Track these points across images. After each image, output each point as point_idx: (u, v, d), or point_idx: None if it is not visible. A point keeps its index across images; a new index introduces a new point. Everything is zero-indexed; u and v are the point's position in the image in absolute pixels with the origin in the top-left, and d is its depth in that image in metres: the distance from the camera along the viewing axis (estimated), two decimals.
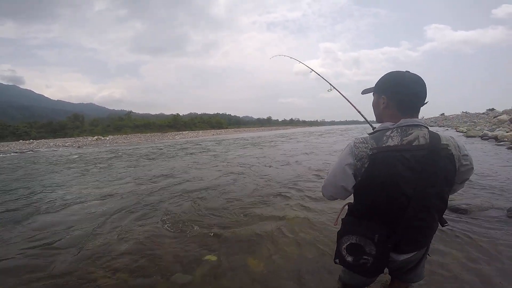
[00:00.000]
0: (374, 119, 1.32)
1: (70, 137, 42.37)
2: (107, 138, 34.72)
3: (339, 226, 1.26)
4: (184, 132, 49.53)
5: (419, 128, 1.07)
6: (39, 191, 5.19)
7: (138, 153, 13.28)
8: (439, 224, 1.17)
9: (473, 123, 21.24)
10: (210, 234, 2.75)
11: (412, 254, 1.16)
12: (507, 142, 9.24)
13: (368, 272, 1.19)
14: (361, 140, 1.10)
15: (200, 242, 2.59)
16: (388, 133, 1.07)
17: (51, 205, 4.11)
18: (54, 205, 4.10)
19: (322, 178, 5.16)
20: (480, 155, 6.82)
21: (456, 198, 3.20)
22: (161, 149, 15.55)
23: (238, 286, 1.91)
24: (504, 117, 17.74)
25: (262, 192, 4.36)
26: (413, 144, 1.03)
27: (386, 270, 1.23)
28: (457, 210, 3.00)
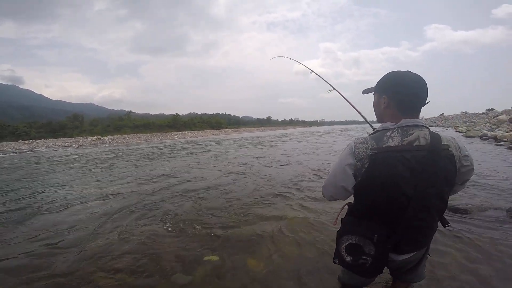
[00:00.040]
0: (374, 119, 1.32)
1: (69, 137, 42.35)
2: (107, 138, 34.71)
3: (338, 226, 1.26)
4: (183, 132, 49.52)
5: (419, 129, 1.07)
6: (40, 191, 5.19)
7: (139, 153, 13.28)
8: (441, 225, 1.18)
9: (472, 123, 21.26)
10: (210, 234, 2.75)
11: (411, 254, 1.16)
12: (506, 142, 9.24)
13: (366, 272, 1.19)
14: (362, 141, 1.10)
15: (201, 242, 2.59)
16: (388, 134, 1.07)
17: (53, 205, 4.11)
18: (56, 205, 4.10)
19: (322, 178, 5.17)
20: (480, 155, 6.83)
21: (456, 198, 3.20)
22: (161, 149, 15.54)
23: (238, 286, 1.91)
24: (504, 117, 17.76)
25: (262, 192, 4.36)
26: (414, 145, 1.03)
27: (385, 270, 1.23)
28: (456, 210, 3.00)
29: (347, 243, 1.16)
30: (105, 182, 5.90)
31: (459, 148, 1.09)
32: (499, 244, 2.24)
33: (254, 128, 79.55)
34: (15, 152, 19.61)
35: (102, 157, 12.08)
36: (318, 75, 2.60)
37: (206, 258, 2.28)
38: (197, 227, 2.95)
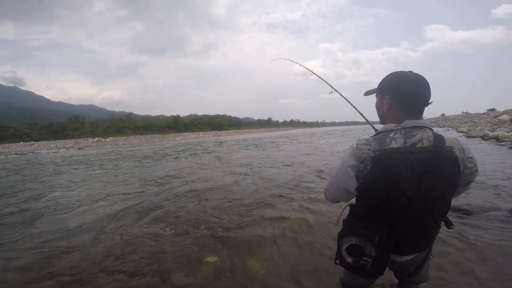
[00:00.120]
0: (375, 120, 1.32)
1: (70, 139, 42.41)
2: (108, 140, 34.78)
3: (340, 227, 1.26)
4: (184, 134, 49.58)
5: (423, 130, 1.06)
6: (46, 192, 5.21)
7: (141, 154, 13.32)
8: (445, 226, 1.17)
9: (473, 124, 21.23)
10: (211, 235, 2.75)
11: (413, 255, 1.16)
12: (508, 142, 9.23)
13: (367, 274, 1.19)
14: (364, 142, 1.09)
15: (202, 243, 2.59)
16: (391, 135, 1.06)
17: (59, 206, 4.14)
18: (62, 206, 4.13)
19: (323, 179, 5.17)
20: (481, 156, 6.81)
21: (458, 199, 3.19)
22: (163, 150, 15.59)
23: (238, 287, 1.91)
24: (505, 117, 17.73)
25: (263, 193, 4.36)
26: (417, 146, 1.02)
27: (386, 271, 1.23)
28: (458, 210, 2.99)
29: (348, 244, 1.15)
30: (110, 183, 5.92)
31: (463, 149, 1.08)
32: (502, 245, 2.22)
33: (254, 129, 79.59)
34: (17, 154, 19.66)
35: (105, 159, 12.10)
36: (319, 77, 2.58)
37: (206, 259, 2.28)
38: (199, 228, 2.95)
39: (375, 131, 1.23)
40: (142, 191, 4.88)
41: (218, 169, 7.15)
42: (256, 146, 14.99)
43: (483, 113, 33.25)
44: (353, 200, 1.21)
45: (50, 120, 67.06)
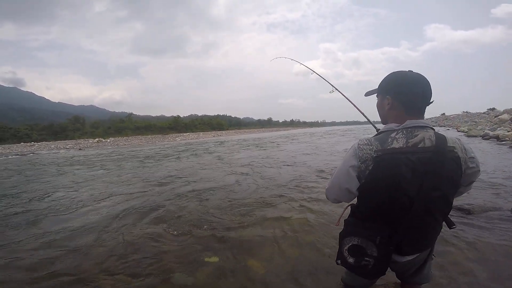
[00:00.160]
0: (375, 120, 1.31)
1: (71, 139, 42.41)
2: (108, 140, 34.80)
3: (341, 227, 1.26)
4: (185, 134, 49.60)
5: (425, 130, 1.05)
6: (49, 193, 5.22)
7: (142, 155, 13.33)
8: (447, 226, 1.17)
9: (474, 123, 21.21)
10: (212, 235, 2.75)
11: (415, 255, 1.16)
12: (508, 142, 9.22)
13: (369, 274, 1.19)
14: (365, 142, 1.08)
15: (202, 243, 2.59)
16: (393, 135, 1.06)
17: (61, 207, 4.14)
18: (64, 207, 4.13)
19: (324, 179, 5.17)
20: (482, 155, 6.81)
21: (459, 198, 3.18)
22: (164, 150, 15.60)
23: (238, 287, 1.91)
24: (505, 116, 17.70)
25: (264, 193, 4.36)
26: (419, 146, 1.02)
27: (388, 271, 1.22)
28: (459, 210, 2.99)
29: (350, 244, 1.15)
30: (112, 183, 5.94)
31: (465, 149, 1.07)
32: (502, 245, 2.22)
33: (255, 130, 79.59)
34: (17, 155, 19.68)
35: (106, 159, 12.12)
36: (320, 76, 2.57)
37: (207, 259, 2.28)
38: (200, 228, 2.95)
39: (377, 131, 1.22)
40: (144, 191, 4.89)
41: (219, 169, 7.16)
42: (257, 146, 15.00)
43: (484, 113, 33.22)
44: (355, 200, 1.20)
45: (51, 121, 67.13)
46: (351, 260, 1.16)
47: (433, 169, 1.00)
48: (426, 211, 1.03)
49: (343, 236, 1.20)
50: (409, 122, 1.06)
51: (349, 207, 1.27)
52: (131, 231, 2.96)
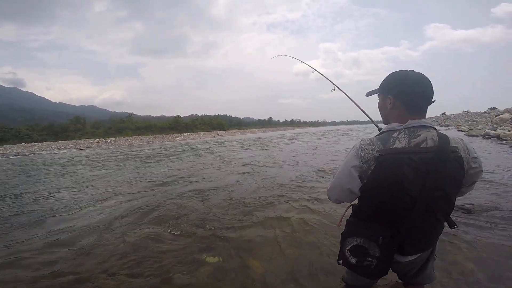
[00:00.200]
0: (377, 119, 1.31)
1: (71, 140, 42.43)
2: (109, 141, 34.82)
3: (342, 227, 1.25)
4: (185, 134, 49.61)
5: (427, 130, 1.04)
6: (53, 193, 5.25)
7: (144, 155, 13.36)
8: (448, 226, 1.16)
9: (474, 122, 21.19)
10: (213, 235, 2.75)
11: (416, 255, 1.16)
12: (509, 141, 9.21)
13: (371, 274, 1.18)
14: (367, 142, 1.07)
15: (203, 243, 2.59)
16: (395, 135, 1.05)
17: (64, 207, 4.17)
18: (67, 207, 4.16)
19: (324, 178, 5.17)
20: (483, 154, 6.78)
21: (460, 198, 3.18)
22: (165, 150, 15.62)
23: (238, 287, 1.91)
24: (506, 115, 17.68)
25: (265, 193, 4.36)
26: (421, 146, 1.01)
27: (390, 270, 1.22)
28: (460, 209, 2.98)
29: (352, 244, 1.15)
30: (115, 183, 5.96)
31: (468, 149, 1.07)
32: (503, 245, 2.22)
33: (255, 129, 79.53)
34: (18, 155, 19.70)
35: (108, 159, 12.14)
36: (321, 74, 2.55)
37: (207, 259, 2.28)
38: (200, 228, 2.95)
39: (379, 130, 1.22)
40: (146, 191, 4.91)
41: (221, 169, 7.17)
42: (258, 146, 14.99)
43: (484, 112, 33.18)
44: (356, 200, 1.20)
45: (51, 121, 67.15)
46: (353, 260, 1.15)
47: (436, 169, 1.00)
48: (428, 211, 1.03)
49: (345, 236, 1.19)
50: (412, 122, 1.06)
51: (351, 207, 1.26)
52: (132, 231, 2.97)
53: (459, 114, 42.76)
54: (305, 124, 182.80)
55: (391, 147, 1.02)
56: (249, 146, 15.65)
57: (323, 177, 5.30)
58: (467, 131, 14.76)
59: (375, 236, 1.08)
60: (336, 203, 1.23)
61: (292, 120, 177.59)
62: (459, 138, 1.10)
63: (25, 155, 19.57)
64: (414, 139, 1.02)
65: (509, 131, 11.07)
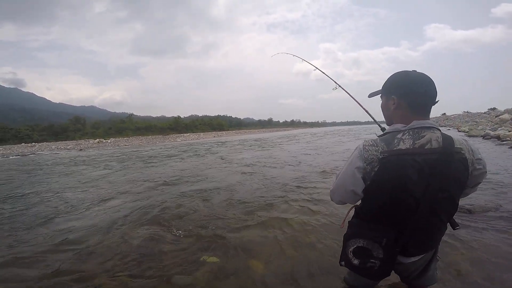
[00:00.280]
0: (379, 119, 1.30)
1: (71, 140, 42.42)
2: (109, 141, 34.82)
3: (344, 229, 1.25)
4: (185, 134, 49.58)
5: (431, 131, 1.04)
6: (57, 193, 5.26)
7: (145, 155, 13.36)
8: (451, 227, 1.17)
9: (475, 123, 21.17)
10: (213, 235, 2.75)
11: (419, 256, 1.16)
12: (509, 142, 9.21)
13: (374, 276, 1.19)
14: (371, 143, 1.07)
15: (202, 243, 2.59)
16: (399, 136, 1.04)
17: (68, 207, 4.17)
18: (70, 207, 4.16)
19: (326, 179, 5.17)
20: (483, 155, 6.78)
21: (461, 199, 3.18)
22: (166, 151, 15.62)
23: (239, 287, 1.91)
24: (506, 116, 17.66)
25: (266, 193, 4.36)
26: (426, 148, 1.00)
27: (392, 273, 1.22)
28: (460, 210, 2.98)
29: (355, 246, 1.15)
30: (118, 183, 5.96)
31: (472, 151, 1.07)
32: (503, 245, 2.21)
33: (255, 130, 79.44)
34: (17, 155, 19.69)
35: (110, 159, 12.14)
36: (323, 72, 2.51)
37: (208, 259, 2.28)
38: (200, 228, 2.96)
39: (382, 131, 1.22)
40: (150, 191, 4.93)
41: (222, 169, 7.18)
42: (259, 147, 15.00)
43: (484, 112, 33.16)
44: (358, 201, 1.19)
45: (51, 122, 67.15)
46: (356, 262, 1.15)
47: (440, 170, 0.99)
48: (432, 212, 1.03)
49: (347, 238, 1.19)
50: (416, 123, 1.05)
51: (353, 209, 1.26)
52: (135, 231, 2.98)
53: (459, 115, 42.76)
54: (305, 124, 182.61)
55: (395, 149, 1.02)
56: (250, 146, 15.66)
57: (324, 178, 5.30)
58: (467, 132, 14.75)
59: (379, 237, 1.08)
60: (339, 204, 1.21)
61: (292, 121, 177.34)
62: (463, 139, 1.09)
63: (25, 155, 19.56)
64: (419, 140, 1.01)
65: (509, 131, 11.06)
